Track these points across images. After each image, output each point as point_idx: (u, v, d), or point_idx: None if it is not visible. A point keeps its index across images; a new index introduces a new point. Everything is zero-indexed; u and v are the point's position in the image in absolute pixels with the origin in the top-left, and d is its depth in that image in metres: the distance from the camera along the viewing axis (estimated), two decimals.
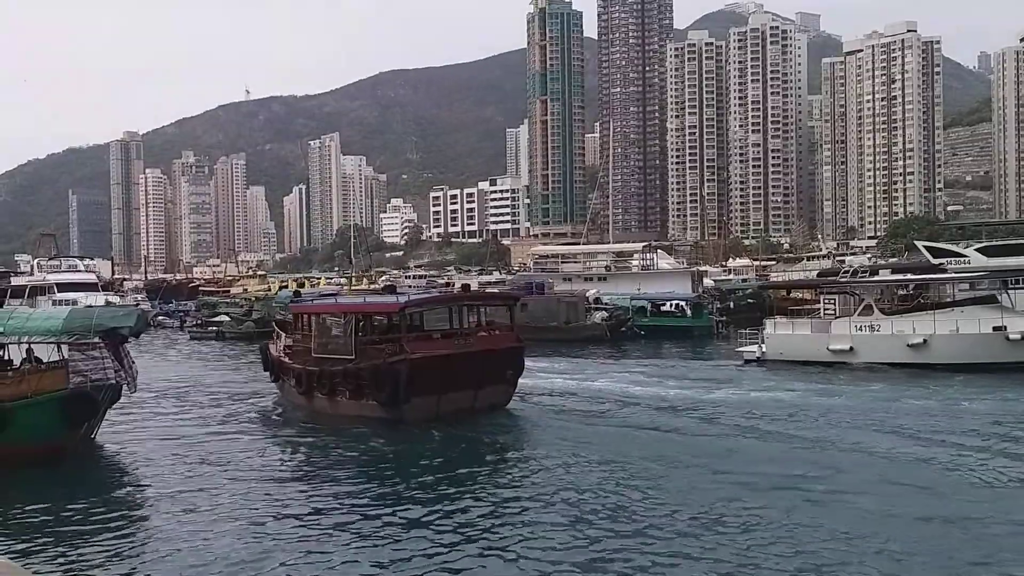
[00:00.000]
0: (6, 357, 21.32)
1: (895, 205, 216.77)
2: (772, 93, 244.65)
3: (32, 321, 20.58)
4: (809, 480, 17.09)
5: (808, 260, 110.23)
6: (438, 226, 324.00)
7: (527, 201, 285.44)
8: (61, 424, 19.29)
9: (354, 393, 24.65)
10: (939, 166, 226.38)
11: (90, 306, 43.77)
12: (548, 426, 24.14)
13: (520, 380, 26.97)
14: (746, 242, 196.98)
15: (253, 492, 17.29)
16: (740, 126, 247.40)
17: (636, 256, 77.83)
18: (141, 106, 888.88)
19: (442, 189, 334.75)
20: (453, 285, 78.57)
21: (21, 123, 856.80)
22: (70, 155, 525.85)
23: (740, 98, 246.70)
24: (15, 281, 71.09)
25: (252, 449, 21.96)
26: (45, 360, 20.94)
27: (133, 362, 21.29)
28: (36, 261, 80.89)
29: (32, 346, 20.86)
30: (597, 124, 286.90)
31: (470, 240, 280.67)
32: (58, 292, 62.70)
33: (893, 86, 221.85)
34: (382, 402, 23.89)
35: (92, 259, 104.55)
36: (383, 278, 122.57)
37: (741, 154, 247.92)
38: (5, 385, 19.40)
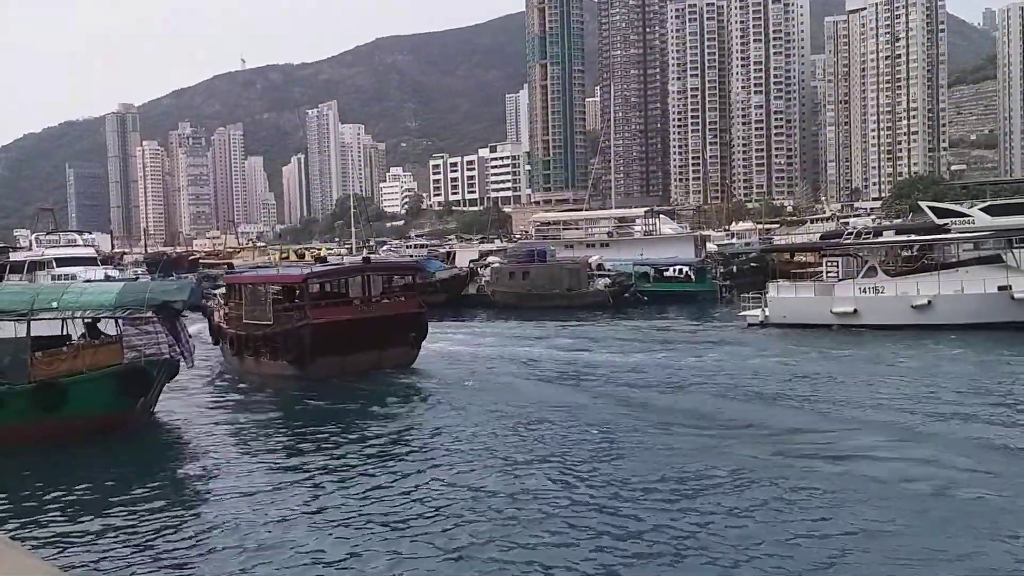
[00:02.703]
0: (64, 332, 21.31)
1: (899, 165, 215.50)
2: (775, 53, 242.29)
3: (86, 296, 20.42)
4: (790, 445, 16.83)
5: (812, 223, 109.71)
6: (438, 194, 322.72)
7: (528, 168, 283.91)
8: (116, 399, 19.31)
9: (272, 354, 27.64)
10: (943, 125, 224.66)
11: (90, 280, 43.42)
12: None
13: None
14: (749, 205, 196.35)
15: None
16: (742, 87, 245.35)
17: (638, 221, 77.35)
18: (136, 77, 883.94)
19: (442, 157, 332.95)
20: (454, 255, 78.15)
21: (15, 97, 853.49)
22: (66, 128, 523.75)
23: (742, 59, 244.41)
24: (14, 256, 70.65)
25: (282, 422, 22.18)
26: (100, 335, 21.08)
27: (191, 336, 21.17)
28: (35, 236, 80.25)
29: (86, 321, 20.89)
30: (598, 88, 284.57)
31: (471, 208, 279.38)
32: (57, 267, 62.17)
33: (897, 44, 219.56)
34: (291, 361, 26.95)
35: (91, 233, 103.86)
36: (384, 248, 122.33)
37: (743, 116, 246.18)
38: (61, 360, 19.48)
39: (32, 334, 20.02)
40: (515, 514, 13.28)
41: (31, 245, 75.10)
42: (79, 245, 72.62)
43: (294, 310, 28.13)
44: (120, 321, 20.01)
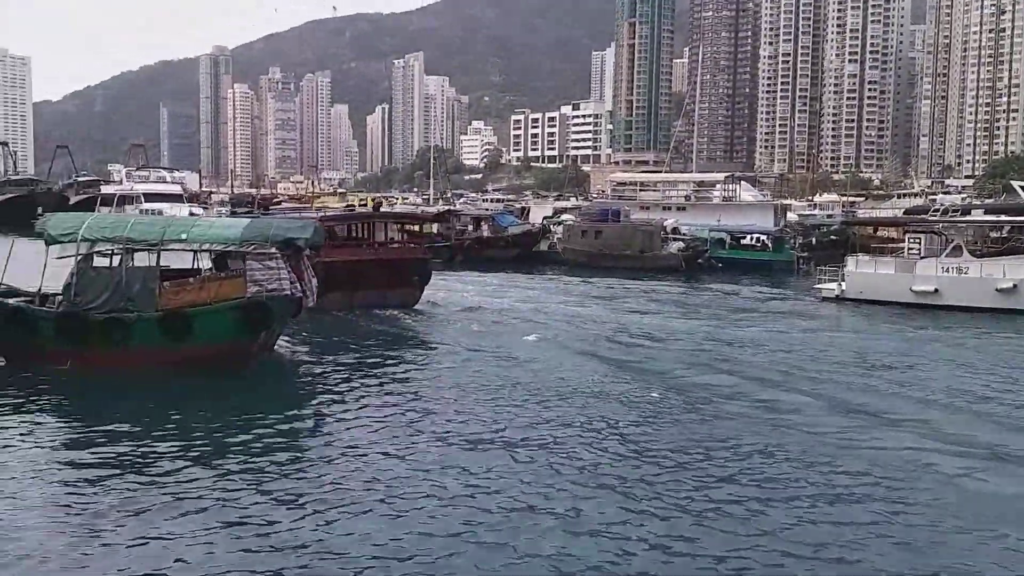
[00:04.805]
0: (195, 266, 22.11)
1: (995, 143, 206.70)
2: (872, 21, 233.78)
3: (214, 229, 21.26)
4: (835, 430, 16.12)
5: (899, 198, 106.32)
6: (518, 150, 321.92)
7: (610, 127, 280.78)
8: (238, 331, 19.84)
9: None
10: None
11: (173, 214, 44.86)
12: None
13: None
14: (835, 177, 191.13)
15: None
16: (836, 55, 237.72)
17: (718, 187, 75.98)
18: (231, 21, 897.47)
19: (523, 112, 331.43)
20: (528, 211, 78.10)
21: (114, 34, 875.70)
22: (161, 68, 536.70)
23: (838, 26, 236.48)
24: (105, 189, 73.35)
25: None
26: (227, 269, 21.60)
27: (314, 276, 21.54)
28: (125, 171, 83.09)
29: (214, 256, 21.67)
30: (686, 49, 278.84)
31: (550, 165, 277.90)
32: (145, 202, 64.51)
33: (1002, 17, 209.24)
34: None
35: (180, 171, 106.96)
36: (460, 200, 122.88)
37: (836, 85, 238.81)
38: (187, 291, 20.18)
39: (166, 266, 20.81)
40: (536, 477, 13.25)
41: (122, 180, 77.72)
42: (167, 182, 75.08)
43: None
44: (245, 256, 20.48)
